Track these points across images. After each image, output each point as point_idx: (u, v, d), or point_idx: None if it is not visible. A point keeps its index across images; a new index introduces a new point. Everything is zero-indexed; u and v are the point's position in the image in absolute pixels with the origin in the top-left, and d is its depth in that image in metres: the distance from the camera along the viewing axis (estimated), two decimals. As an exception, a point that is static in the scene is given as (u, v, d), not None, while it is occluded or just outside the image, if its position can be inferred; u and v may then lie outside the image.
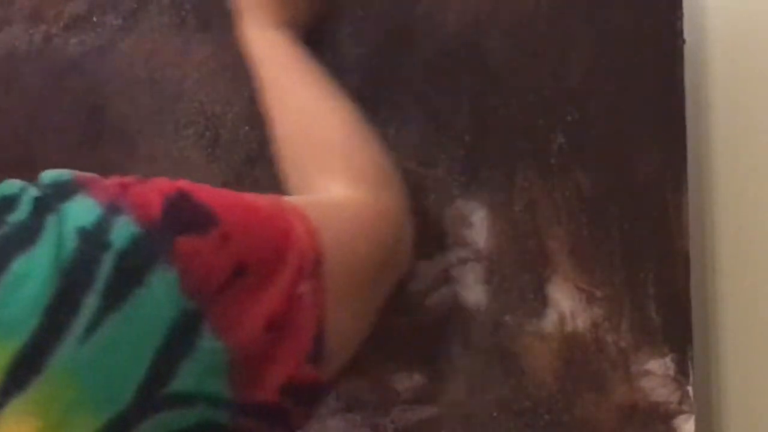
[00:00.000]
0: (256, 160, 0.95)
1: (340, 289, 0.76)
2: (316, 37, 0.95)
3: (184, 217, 0.70)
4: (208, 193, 0.73)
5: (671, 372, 0.97)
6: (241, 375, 0.70)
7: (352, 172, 0.84)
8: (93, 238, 0.66)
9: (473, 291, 0.97)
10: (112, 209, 0.68)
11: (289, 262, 0.73)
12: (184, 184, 0.72)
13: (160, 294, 0.67)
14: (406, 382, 0.96)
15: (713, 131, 1.06)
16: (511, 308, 0.97)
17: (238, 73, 0.95)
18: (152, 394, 0.66)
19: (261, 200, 0.76)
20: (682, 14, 0.98)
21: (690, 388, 0.97)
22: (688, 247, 0.97)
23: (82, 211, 0.68)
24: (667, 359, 0.97)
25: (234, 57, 0.95)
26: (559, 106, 0.97)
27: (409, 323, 0.96)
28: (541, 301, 0.97)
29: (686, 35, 0.98)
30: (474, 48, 0.97)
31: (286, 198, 0.79)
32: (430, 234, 0.96)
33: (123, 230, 0.67)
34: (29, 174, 0.76)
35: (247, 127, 0.95)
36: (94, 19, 0.95)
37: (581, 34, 0.97)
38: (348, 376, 0.94)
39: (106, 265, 0.66)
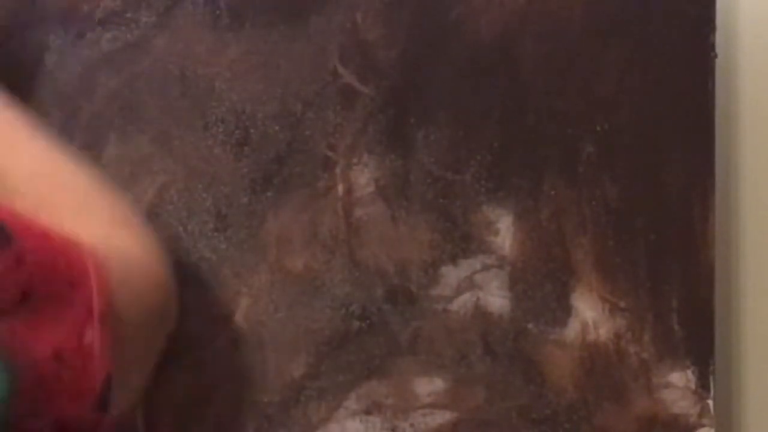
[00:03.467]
0: (284, 159, 0.96)
1: (124, 340, 0.73)
2: (347, 39, 0.95)
3: None
4: (7, 213, 0.70)
5: (692, 385, 0.97)
6: (24, 402, 0.67)
7: (110, 217, 0.81)
8: None
9: (497, 297, 0.97)
10: None
11: (79, 300, 0.70)
12: None
13: None
14: (427, 386, 0.96)
15: (742, 145, 1.06)
16: (534, 316, 0.97)
17: (270, 73, 0.95)
18: None
19: (59, 233, 0.73)
20: (714, 27, 0.98)
21: (711, 402, 0.97)
22: (714, 260, 0.97)
23: None
24: (689, 372, 0.97)
25: (266, 56, 0.95)
26: (588, 116, 0.97)
27: (431, 327, 0.96)
28: (564, 310, 0.97)
29: (718, 49, 0.98)
30: (505, 55, 0.97)
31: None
32: (455, 239, 0.96)
33: None
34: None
35: (276, 127, 0.96)
36: (128, 15, 0.95)
37: (613, 44, 0.97)
38: (368, 378, 0.95)
39: None
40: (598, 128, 0.97)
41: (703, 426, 0.97)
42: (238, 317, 0.95)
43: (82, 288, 0.70)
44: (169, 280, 0.83)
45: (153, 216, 0.94)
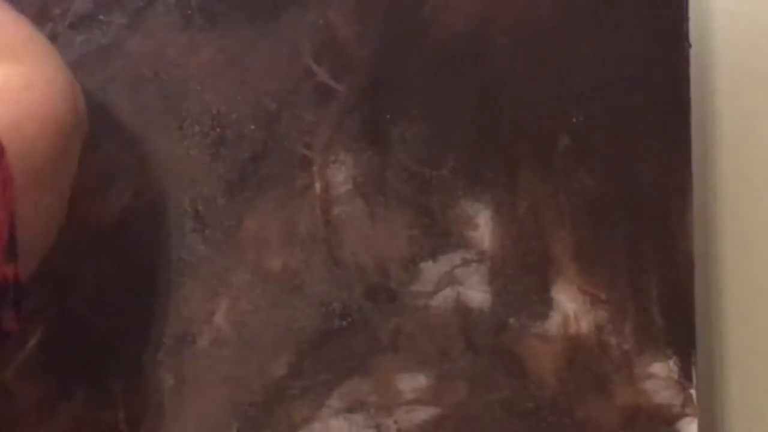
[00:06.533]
0: (261, 159, 0.96)
1: (26, 175, 0.70)
2: (320, 37, 0.95)
3: None
4: None
5: (674, 375, 0.97)
6: None
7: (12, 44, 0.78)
8: None
9: (477, 292, 0.97)
10: None
11: None
12: None
13: None
14: (410, 382, 0.96)
15: (718, 135, 1.06)
16: (515, 310, 0.97)
17: (244, 72, 0.95)
18: None
19: None
20: (688, 17, 0.98)
21: (693, 391, 0.97)
22: (693, 250, 0.97)
23: None
24: (671, 362, 0.97)
25: (239, 56, 0.95)
26: (563, 108, 0.97)
27: (412, 324, 0.96)
28: (544, 303, 0.97)
29: (692, 39, 0.98)
30: (479, 49, 0.97)
31: None
32: (434, 235, 0.96)
33: None
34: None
35: (252, 126, 0.96)
36: (100, 17, 0.95)
37: (586, 35, 0.97)
38: (350, 376, 0.95)
39: None
40: (574, 120, 0.97)
41: (686, 416, 0.97)
42: (218, 318, 0.95)
43: None
44: (68, 90, 0.79)
45: (130, 218, 0.94)
